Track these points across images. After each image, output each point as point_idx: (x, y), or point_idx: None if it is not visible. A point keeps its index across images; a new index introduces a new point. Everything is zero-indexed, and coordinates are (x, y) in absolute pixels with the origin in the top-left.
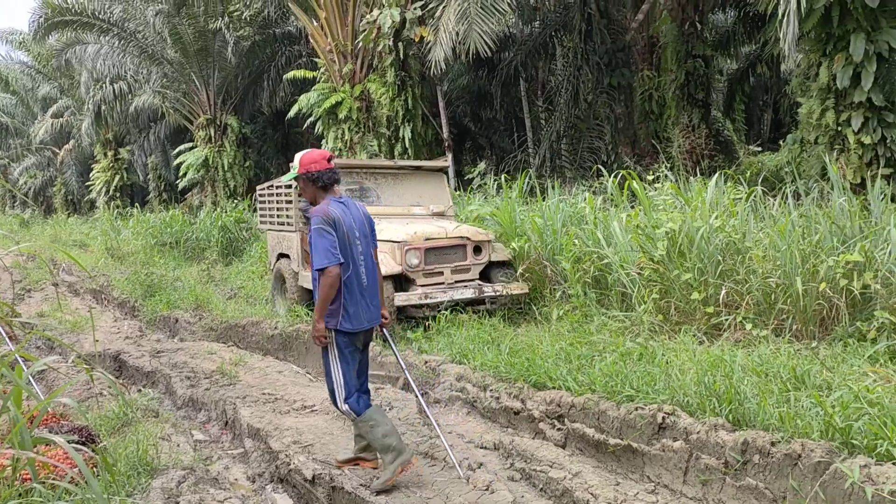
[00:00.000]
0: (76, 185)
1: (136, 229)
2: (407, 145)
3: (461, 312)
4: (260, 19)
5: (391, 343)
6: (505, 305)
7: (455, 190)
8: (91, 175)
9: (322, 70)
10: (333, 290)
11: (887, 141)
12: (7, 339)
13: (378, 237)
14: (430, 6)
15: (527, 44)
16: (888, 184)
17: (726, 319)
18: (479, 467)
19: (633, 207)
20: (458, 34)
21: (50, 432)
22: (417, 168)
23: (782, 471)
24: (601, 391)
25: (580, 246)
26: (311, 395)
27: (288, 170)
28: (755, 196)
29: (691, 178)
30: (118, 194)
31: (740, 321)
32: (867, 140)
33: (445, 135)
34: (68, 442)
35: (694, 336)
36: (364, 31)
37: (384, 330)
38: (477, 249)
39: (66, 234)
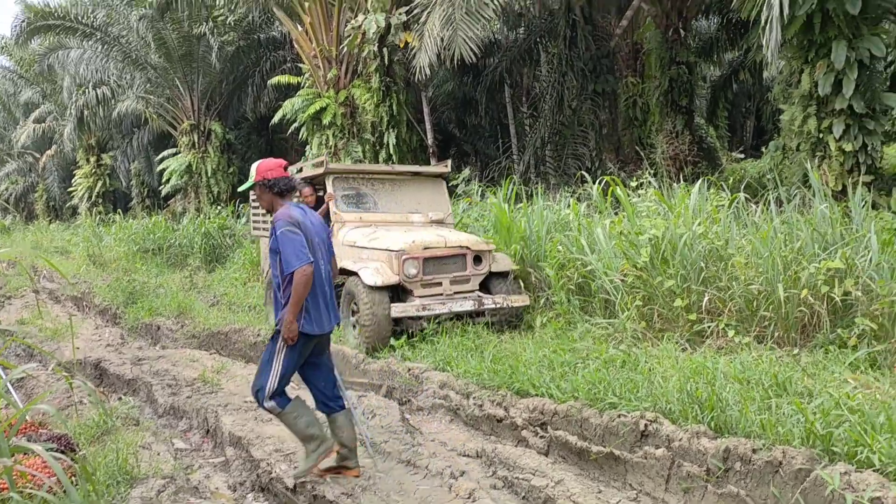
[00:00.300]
0: (58, 191)
1: (119, 236)
2: (391, 151)
3: (463, 324)
4: (244, 24)
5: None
6: (506, 318)
7: None
8: (73, 181)
9: (306, 76)
10: (308, 288)
11: (868, 148)
12: None
13: (375, 245)
14: (415, 12)
15: (512, 50)
16: (869, 191)
17: (709, 326)
18: (462, 475)
19: (616, 214)
20: (443, 40)
21: (28, 441)
22: (416, 174)
23: (764, 478)
24: (584, 398)
25: (564, 252)
26: None
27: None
28: (738, 203)
29: (675, 184)
30: (100, 200)
31: (723, 328)
32: (848, 147)
33: (430, 141)
34: (47, 450)
35: (677, 343)
36: (349, 36)
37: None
38: (477, 259)
39: (48, 240)
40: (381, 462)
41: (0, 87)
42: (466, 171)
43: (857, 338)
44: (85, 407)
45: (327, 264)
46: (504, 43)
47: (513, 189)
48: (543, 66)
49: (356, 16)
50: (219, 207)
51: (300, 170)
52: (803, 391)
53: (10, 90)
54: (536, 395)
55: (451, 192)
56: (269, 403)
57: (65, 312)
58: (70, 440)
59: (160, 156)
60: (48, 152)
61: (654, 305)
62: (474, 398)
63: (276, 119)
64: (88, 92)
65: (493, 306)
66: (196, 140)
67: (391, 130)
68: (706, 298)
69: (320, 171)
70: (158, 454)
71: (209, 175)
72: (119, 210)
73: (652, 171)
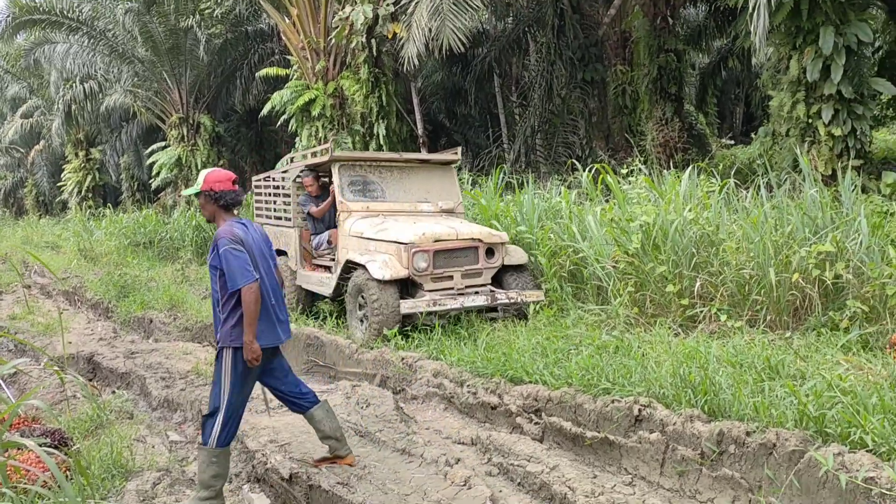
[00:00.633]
0: (47, 185)
1: (109, 230)
2: (382, 142)
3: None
4: (231, 17)
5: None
6: (519, 312)
7: None
8: (62, 176)
9: (295, 67)
10: (259, 304)
11: (857, 133)
12: None
13: (383, 237)
14: (403, 2)
15: (500, 40)
16: (858, 175)
17: (701, 311)
18: (457, 463)
19: (607, 201)
20: (431, 30)
21: (22, 436)
22: (425, 161)
23: (757, 460)
24: (578, 384)
25: (555, 240)
26: None
27: (263, 167)
28: (728, 188)
29: (665, 171)
30: (90, 195)
31: (715, 313)
32: (837, 132)
33: (420, 131)
34: (40, 445)
35: (669, 328)
36: (336, 27)
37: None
38: (490, 252)
39: (38, 235)
40: (375, 451)
41: None
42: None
43: (849, 320)
44: (79, 401)
45: (272, 276)
46: (492, 33)
47: (503, 178)
48: (532, 55)
49: (343, 7)
50: None
51: (291, 160)
52: (796, 374)
53: None
54: (530, 381)
55: None
56: (216, 429)
57: (56, 307)
58: (64, 434)
59: (149, 149)
60: (36, 147)
61: (647, 291)
62: (468, 386)
63: (265, 111)
64: (76, 86)
65: (507, 301)
66: (185, 133)
67: (381, 121)
68: (698, 283)
69: (325, 158)
70: (153, 447)
71: (199, 168)
72: (109, 204)
73: (642, 159)
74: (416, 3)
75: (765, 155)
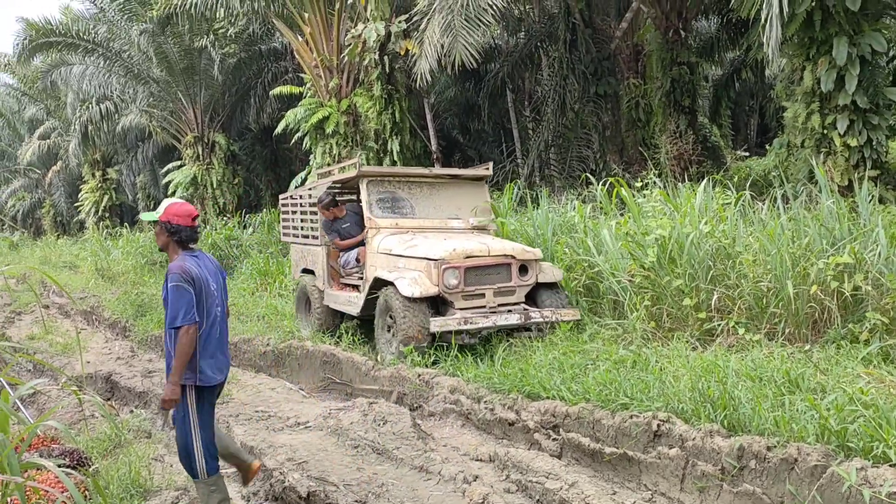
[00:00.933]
0: (65, 206)
1: (126, 249)
2: (395, 158)
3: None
4: (245, 36)
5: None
6: (551, 331)
7: None
8: (80, 196)
9: (308, 85)
10: (192, 349)
11: (873, 143)
12: None
13: (412, 253)
14: (415, 19)
15: (513, 55)
16: (875, 185)
17: (719, 325)
18: (475, 480)
19: (622, 215)
20: (443, 46)
21: (40, 456)
22: (455, 176)
23: (779, 475)
24: (595, 400)
25: (571, 254)
26: (304, 411)
27: (277, 185)
28: (744, 201)
29: (680, 184)
30: (107, 214)
31: (733, 326)
32: (853, 142)
33: (434, 147)
34: (59, 465)
35: (687, 342)
36: (349, 45)
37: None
38: (523, 269)
39: (56, 255)
40: (393, 469)
41: (5, 104)
42: None
43: (869, 332)
44: (97, 421)
45: (222, 307)
46: (505, 48)
47: (518, 193)
48: (545, 69)
49: (356, 25)
50: (225, 218)
51: (304, 180)
52: (816, 387)
53: (14, 107)
54: (548, 397)
55: None
56: (204, 472)
57: (74, 327)
58: (82, 454)
59: (165, 168)
60: (54, 168)
61: (663, 305)
62: (485, 402)
63: (279, 129)
64: (92, 107)
65: (542, 320)
66: (200, 152)
67: (394, 138)
68: (715, 297)
69: (353, 174)
70: (171, 466)
71: (214, 186)
72: (126, 223)
73: (656, 172)
74: (429, 20)
75: (780, 166)
